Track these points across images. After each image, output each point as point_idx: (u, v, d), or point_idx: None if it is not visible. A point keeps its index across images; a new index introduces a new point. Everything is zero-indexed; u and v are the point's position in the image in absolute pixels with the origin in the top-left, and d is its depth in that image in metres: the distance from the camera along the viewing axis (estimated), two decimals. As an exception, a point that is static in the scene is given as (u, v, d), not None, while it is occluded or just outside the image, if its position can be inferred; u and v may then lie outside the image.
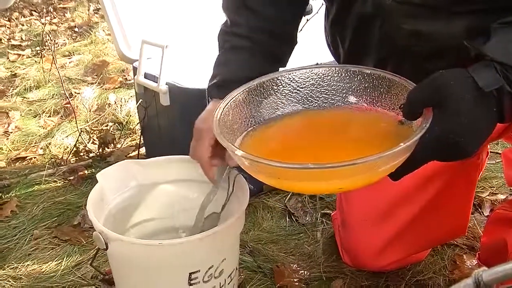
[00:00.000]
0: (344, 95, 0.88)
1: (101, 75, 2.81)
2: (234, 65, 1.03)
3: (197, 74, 1.58)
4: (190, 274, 0.97)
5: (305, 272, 1.34)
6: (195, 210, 1.05)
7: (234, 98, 0.85)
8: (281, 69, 1.03)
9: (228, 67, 1.04)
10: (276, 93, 0.89)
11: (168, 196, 1.18)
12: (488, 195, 1.63)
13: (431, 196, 1.17)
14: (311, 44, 1.86)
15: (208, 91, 1.04)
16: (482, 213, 1.56)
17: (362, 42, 0.99)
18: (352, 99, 0.88)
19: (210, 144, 0.94)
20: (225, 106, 0.83)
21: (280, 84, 0.89)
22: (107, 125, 2.23)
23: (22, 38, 3.70)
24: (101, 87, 2.67)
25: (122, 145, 2.03)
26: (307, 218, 1.56)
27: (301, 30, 2.09)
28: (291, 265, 1.36)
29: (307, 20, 2.16)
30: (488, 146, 1.30)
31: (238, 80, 0.91)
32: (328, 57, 1.36)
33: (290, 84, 0.90)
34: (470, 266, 1.33)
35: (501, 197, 1.63)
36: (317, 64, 1.60)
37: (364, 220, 1.24)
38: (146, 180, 1.15)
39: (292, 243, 1.46)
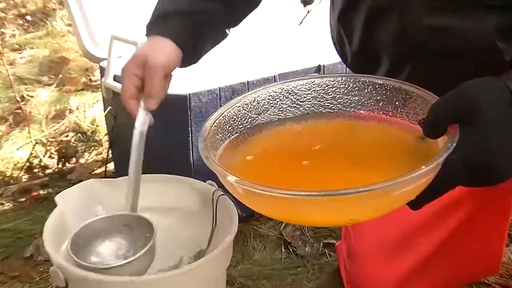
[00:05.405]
0: (352, 109, 0.88)
1: (60, 75, 2.82)
2: None
3: (177, 77, 1.59)
4: (167, 316, 0.97)
5: (305, 314, 1.35)
6: (173, 242, 1.06)
7: (223, 114, 0.84)
8: (278, 80, 1.04)
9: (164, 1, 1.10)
10: (272, 108, 0.89)
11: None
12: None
13: (454, 226, 1.18)
14: (314, 41, 1.88)
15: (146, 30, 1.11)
16: (519, 246, 1.57)
17: (374, 39, 1.01)
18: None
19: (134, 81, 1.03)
20: (213, 124, 0.82)
21: (276, 97, 0.89)
22: (67, 136, 2.23)
23: (-39, 28, 3.71)
24: (60, 89, 2.68)
25: (86, 160, 2.04)
26: (307, 249, 1.58)
27: (301, 23, 2.12)
28: (288, 305, 1.37)
29: (308, 11, 2.18)
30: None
31: (174, 13, 1.03)
32: (334, 57, 1.38)
33: (288, 97, 0.90)
34: (503, 310, 1.35)
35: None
36: (319, 66, 1.62)
37: (375, 252, 1.25)
38: (115, 205, 1.16)
39: (288, 278, 1.47)
